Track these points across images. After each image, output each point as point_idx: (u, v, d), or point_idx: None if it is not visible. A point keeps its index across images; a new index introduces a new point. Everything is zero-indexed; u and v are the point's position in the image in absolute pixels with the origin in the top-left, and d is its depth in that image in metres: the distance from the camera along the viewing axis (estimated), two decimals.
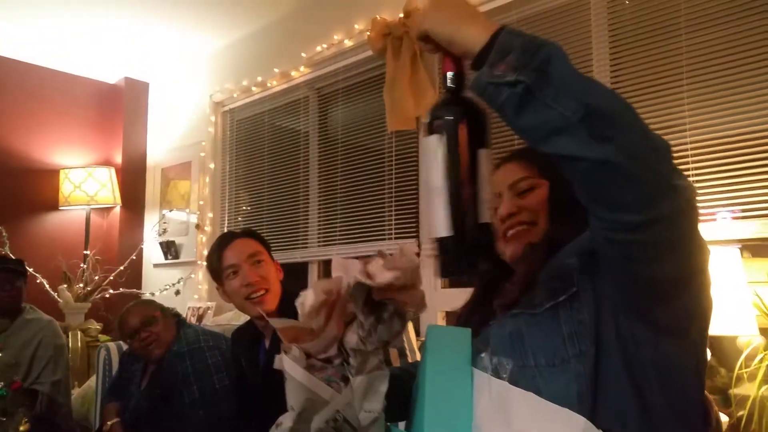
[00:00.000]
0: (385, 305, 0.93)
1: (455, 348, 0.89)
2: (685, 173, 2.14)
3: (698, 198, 2.13)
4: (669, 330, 0.88)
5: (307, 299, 0.95)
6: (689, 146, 2.20)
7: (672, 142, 2.16)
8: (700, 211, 2.14)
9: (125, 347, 2.63)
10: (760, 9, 2.08)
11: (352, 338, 0.95)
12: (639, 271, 0.83)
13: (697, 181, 2.17)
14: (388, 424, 0.90)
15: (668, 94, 2.28)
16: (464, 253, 0.90)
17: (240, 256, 1.93)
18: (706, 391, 1.03)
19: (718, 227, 2.10)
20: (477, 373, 0.89)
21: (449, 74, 0.89)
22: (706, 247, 0.86)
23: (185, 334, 2.28)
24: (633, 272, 0.84)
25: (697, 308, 0.89)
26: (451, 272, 0.97)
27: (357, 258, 0.96)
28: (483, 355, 0.90)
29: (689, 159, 2.19)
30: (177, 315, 2.42)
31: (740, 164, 2.09)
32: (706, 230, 2.07)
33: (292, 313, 1.87)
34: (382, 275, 0.90)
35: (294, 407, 0.97)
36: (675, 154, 2.18)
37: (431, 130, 0.88)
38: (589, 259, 0.90)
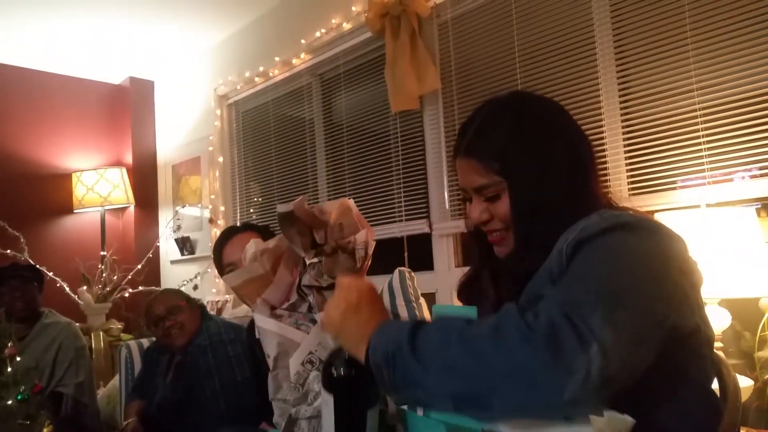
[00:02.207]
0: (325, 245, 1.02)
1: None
2: (696, 137, 2.11)
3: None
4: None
5: (248, 249, 1.03)
6: (698, 109, 2.15)
7: (681, 107, 2.13)
8: (716, 175, 2.11)
9: (147, 344, 2.65)
10: None
11: (305, 279, 1.05)
12: None
13: (709, 143, 2.12)
14: (404, 408, 0.91)
15: (673, 58, 2.23)
16: None
17: (238, 254, 1.92)
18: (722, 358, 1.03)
19: (734, 187, 2.06)
20: None
21: None
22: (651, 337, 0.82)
23: (207, 327, 2.29)
24: None
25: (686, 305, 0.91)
26: None
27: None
28: None
29: (699, 122, 2.15)
30: (202, 306, 2.44)
31: (752, 123, 2.05)
32: (721, 191, 2.06)
33: None
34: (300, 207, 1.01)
35: (270, 354, 1.02)
36: (684, 118, 2.16)
37: (323, 381, 0.98)
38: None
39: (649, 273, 0.85)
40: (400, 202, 3.19)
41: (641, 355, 0.79)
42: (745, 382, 1.77)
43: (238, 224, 3.81)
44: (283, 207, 0.98)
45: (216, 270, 2.07)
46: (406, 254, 3.15)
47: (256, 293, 1.06)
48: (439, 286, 3.02)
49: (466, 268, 1.23)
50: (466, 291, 1.18)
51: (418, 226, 3.08)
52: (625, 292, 0.80)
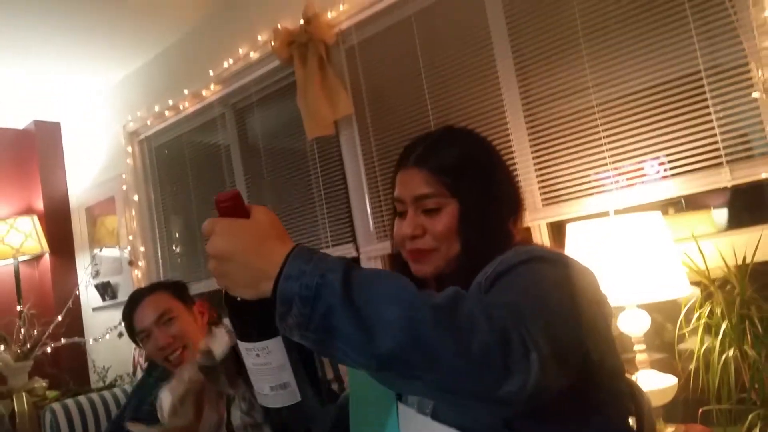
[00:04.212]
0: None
1: (378, 385, 0.87)
2: (595, 133, 2.19)
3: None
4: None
5: (163, 401, 0.91)
6: (596, 107, 2.24)
7: (579, 105, 2.22)
8: (621, 168, 2.19)
9: (71, 405, 2.53)
10: None
11: (235, 416, 0.92)
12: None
13: (609, 139, 2.21)
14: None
15: (569, 60, 2.32)
16: None
17: (148, 319, 1.88)
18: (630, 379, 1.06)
19: (641, 191, 2.15)
20: (402, 409, 0.88)
21: None
22: (577, 352, 0.85)
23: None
24: None
25: (593, 335, 0.92)
26: None
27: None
28: None
29: (597, 119, 2.24)
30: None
31: (645, 116, 2.14)
32: (629, 196, 2.14)
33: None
34: (220, 346, 0.87)
35: None
36: (583, 116, 2.25)
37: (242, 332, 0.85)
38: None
39: (566, 299, 0.88)
40: (325, 226, 3.17)
41: (566, 372, 0.80)
42: (669, 381, 1.84)
43: (140, 288, 3.70)
44: (206, 360, 0.90)
45: (130, 338, 1.97)
46: None
47: None
48: None
49: None
50: None
51: (346, 251, 3.07)
52: (552, 312, 0.82)
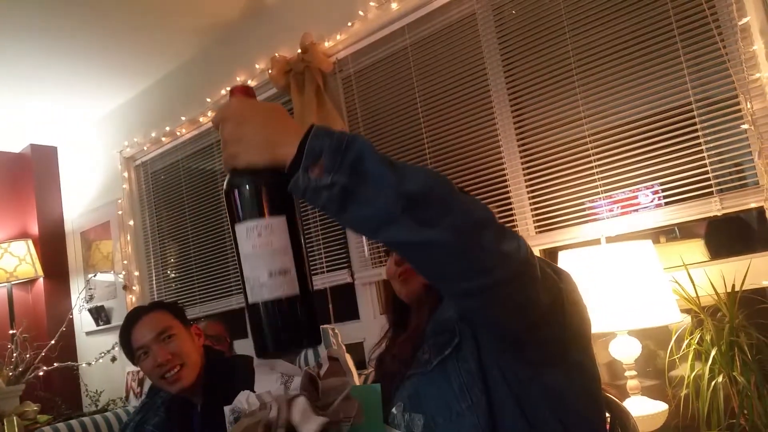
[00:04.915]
0: None
1: (367, 407, 0.89)
2: (587, 162, 2.25)
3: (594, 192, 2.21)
4: (546, 362, 0.91)
5: None
6: (588, 137, 2.29)
7: (572, 135, 2.28)
8: (613, 197, 2.23)
9: (63, 429, 2.52)
10: (631, 7, 2.20)
11: None
12: (496, 325, 0.87)
13: (600, 169, 2.26)
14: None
15: (562, 92, 2.37)
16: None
17: (148, 336, 1.87)
18: (608, 393, 1.08)
19: (632, 219, 2.18)
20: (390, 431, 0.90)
21: None
22: (556, 285, 0.88)
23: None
24: (492, 325, 0.88)
25: (566, 336, 0.92)
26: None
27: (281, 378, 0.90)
28: (394, 410, 0.91)
29: (590, 149, 2.28)
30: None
31: (636, 146, 2.19)
32: (621, 224, 2.18)
33: (217, 378, 1.82)
34: (309, 426, 0.84)
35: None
36: (576, 146, 2.29)
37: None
38: None
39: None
40: (320, 252, 3.19)
41: (544, 288, 0.85)
42: (660, 407, 1.85)
43: (140, 305, 3.70)
44: None
45: (126, 356, 1.96)
46: (330, 305, 3.15)
47: None
48: (366, 335, 3.03)
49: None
50: (379, 364, 1.20)
51: (341, 277, 3.09)
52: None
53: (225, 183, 0.82)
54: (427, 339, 0.99)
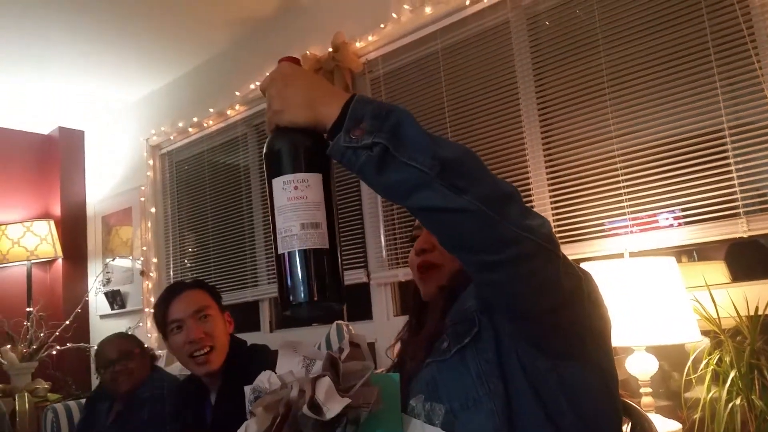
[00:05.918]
0: (338, 419, 0.84)
1: (386, 395, 0.89)
2: (614, 181, 2.22)
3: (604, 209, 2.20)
4: (564, 354, 0.91)
5: (249, 429, 0.88)
6: (617, 155, 2.27)
7: (601, 151, 2.26)
8: (639, 218, 2.21)
9: (74, 407, 2.55)
10: (670, 22, 2.18)
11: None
12: (516, 305, 0.86)
13: (628, 186, 2.24)
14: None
15: (593, 107, 2.35)
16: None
17: (186, 311, 1.87)
18: (627, 399, 1.07)
19: (656, 236, 2.17)
20: (409, 421, 0.89)
21: None
22: (577, 274, 0.89)
23: (152, 378, 2.27)
24: (511, 307, 0.88)
25: (585, 329, 0.92)
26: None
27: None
28: (413, 402, 0.91)
29: (618, 167, 2.27)
30: (153, 356, 2.41)
31: (665, 167, 2.17)
32: (644, 240, 2.16)
33: (238, 368, 1.83)
34: (333, 405, 0.84)
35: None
36: (604, 163, 2.27)
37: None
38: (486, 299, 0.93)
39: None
40: None
41: (568, 272, 0.86)
42: (673, 427, 1.83)
43: (172, 276, 3.73)
44: (310, 412, 0.81)
45: (156, 326, 1.96)
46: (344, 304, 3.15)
47: None
48: (379, 336, 3.02)
49: (406, 317, 1.25)
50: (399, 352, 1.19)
51: (356, 276, 3.09)
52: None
53: (266, 144, 0.87)
54: (446, 329, 0.99)
